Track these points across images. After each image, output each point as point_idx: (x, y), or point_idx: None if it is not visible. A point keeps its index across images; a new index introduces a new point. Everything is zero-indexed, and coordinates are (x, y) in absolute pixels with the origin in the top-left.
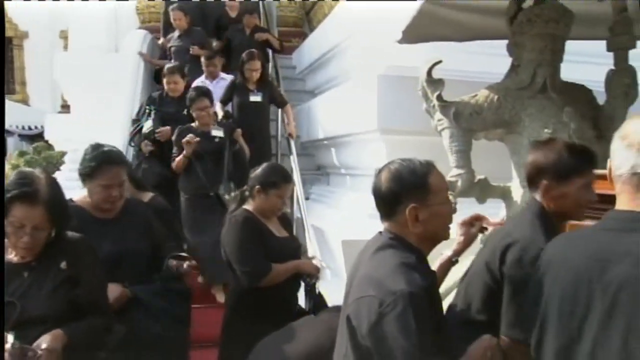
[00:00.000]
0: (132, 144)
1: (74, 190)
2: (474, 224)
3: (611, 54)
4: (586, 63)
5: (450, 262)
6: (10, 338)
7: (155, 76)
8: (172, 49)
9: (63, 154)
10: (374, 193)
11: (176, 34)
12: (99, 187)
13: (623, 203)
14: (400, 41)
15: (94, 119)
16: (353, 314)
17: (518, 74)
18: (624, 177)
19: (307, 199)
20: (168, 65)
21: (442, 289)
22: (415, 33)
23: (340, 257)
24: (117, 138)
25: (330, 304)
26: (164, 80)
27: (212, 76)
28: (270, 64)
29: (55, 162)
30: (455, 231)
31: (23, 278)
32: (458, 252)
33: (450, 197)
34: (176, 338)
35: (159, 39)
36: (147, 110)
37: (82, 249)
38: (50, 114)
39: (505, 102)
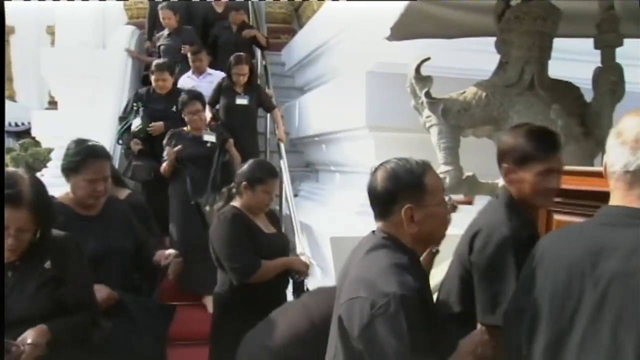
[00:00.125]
0: (120, 142)
1: (61, 187)
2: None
3: (598, 51)
4: (574, 60)
5: (432, 254)
6: None
7: (143, 80)
8: (162, 47)
9: (50, 150)
10: (369, 192)
11: (165, 32)
12: (84, 182)
13: (616, 199)
14: (389, 38)
15: (82, 115)
16: (345, 315)
17: (506, 71)
18: (617, 174)
19: (296, 195)
20: (157, 62)
21: (432, 284)
22: (403, 30)
23: (328, 254)
24: (105, 134)
25: None
26: (153, 77)
27: (199, 71)
28: (260, 61)
29: (42, 158)
30: None
31: (7, 278)
32: None
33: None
34: (152, 356)
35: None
36: (134, 108)
37: (67, 247)
38: (37, 110)
39: (494, 99)
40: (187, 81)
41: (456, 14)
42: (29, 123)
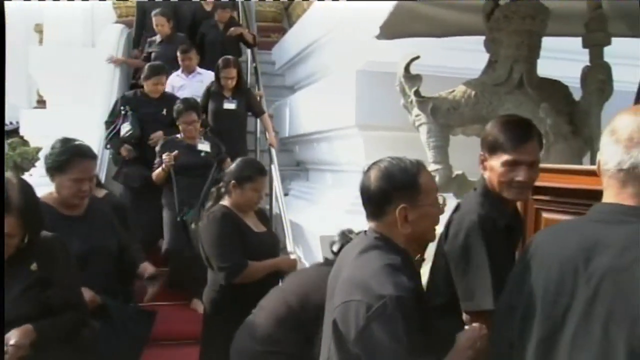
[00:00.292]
0: (108, 147)
1: (50, 186)
2: None
3: (587, 50)
4: (562, 59)
5: (419, 262)
6: None
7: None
8: (153, 54)
9: (38, 150)
10: (362, 192)
11: (158, 38)
12: (70, 182)
13: (609, 197)
14: (379, 37)
15: (70, 114)
16: (340, 318)
17: (495, 70)
18: (610, 172)
19: (286, 194)
20: (154, 65)
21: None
22: (393, 29)
23: (318, 253)
24: (94, 133)
25: None
26: (149, 81)
27: (188, 70)
28: (249, 60)
29: (30, 158)
30: None
31: None
32: None
33: (440, 199)
34: (129, 356)
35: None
36: (122, 112)
37: (54, 247)
38: (26, 110)
39: (483, 98)
40: (176, 80)
41: (445, 13)
42: (17, 122)
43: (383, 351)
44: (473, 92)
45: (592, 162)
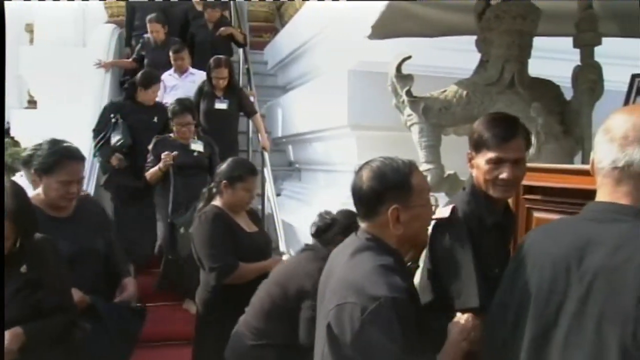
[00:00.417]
0: (97, 155)
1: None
2: None
3: (578, 50)
4: (553, 59)
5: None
6: None
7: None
8: (147, 60)
9: None
10: (354, 192)
11: (150, 37)
12: (58, 184)
13: (603, 195)
14: (370, 37)
15: (62, 114)
16: (334, 322)
17: (486, 69)
18: (605, 171)
19: (278, 195)
20: (150, 73)
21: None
22: (384, 29)
23: None
24: (85, 134)
25: None
26: (146, 90)
27: (181, 70)
28: (242, 60)
29: (21, 159)
30: None
31: None
32: None
33: (432, 199)
34: (120, 355)
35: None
36: (112, 120)
37: (44, 249)
38: (16, 110)
39: (474, 98)
40: (168, 79)
41: (437, 13)
42: (8, 123)
43: (380, 353)
44: (465, 92)
45: (583, 161)
